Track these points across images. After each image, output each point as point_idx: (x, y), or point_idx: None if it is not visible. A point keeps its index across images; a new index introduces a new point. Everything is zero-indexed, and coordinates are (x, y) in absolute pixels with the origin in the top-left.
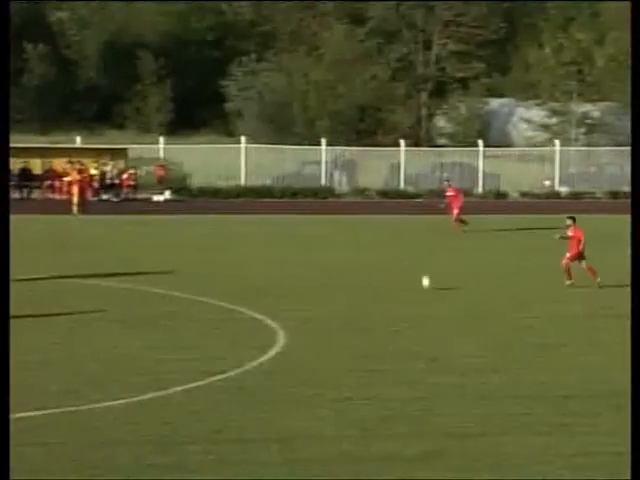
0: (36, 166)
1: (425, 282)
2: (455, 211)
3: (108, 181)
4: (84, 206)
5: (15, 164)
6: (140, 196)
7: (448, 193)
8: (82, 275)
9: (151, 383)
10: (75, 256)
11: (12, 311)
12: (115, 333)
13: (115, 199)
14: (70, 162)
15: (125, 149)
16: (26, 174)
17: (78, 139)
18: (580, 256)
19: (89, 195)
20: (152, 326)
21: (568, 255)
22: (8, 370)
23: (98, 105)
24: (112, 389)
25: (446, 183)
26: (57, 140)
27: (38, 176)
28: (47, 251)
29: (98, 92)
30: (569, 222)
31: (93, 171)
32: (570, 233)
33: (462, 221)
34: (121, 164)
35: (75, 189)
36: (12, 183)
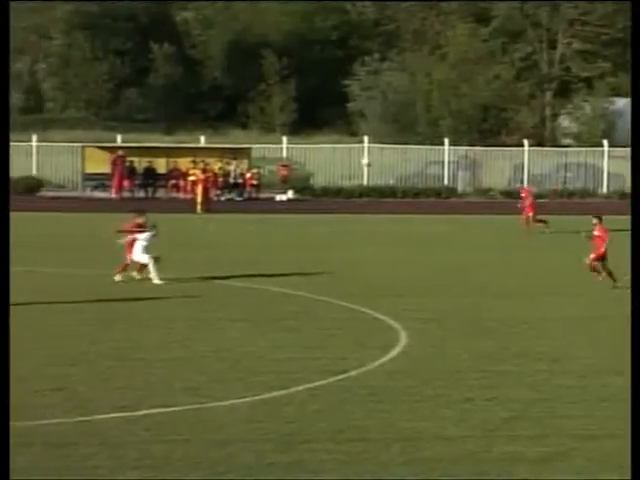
0: (161, 165)
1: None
2: (528, 212)
3: (232, 180)
4: (208, 205)
5: (140, 163)
6: (263, 195)
7: (522, 194)
8: (205, 275)
9: (274, 382)
10: (198, 255)
11: (138, 310)
12: (239, 332)
13: (238, 198)
14: (194, 161)
15: (249, 148)
16: (151, 173)
17: (202, 138)
18: (604, 257)
19: (213, 194)
20: (275, 325)
21: (593, 255)
22: (8, 370)
23: (222, 105)
24: (235, 387)
25: (520, 186)
26: (182, 140)
27: (163, 175)
28: (171, 250)
29: (222, 92)
30: (595, 221)
31: (217, 170)
32: (596, 233)
33: (541, 221)
34: (245, 163)
35: (199, 188)
36: (137, 182)
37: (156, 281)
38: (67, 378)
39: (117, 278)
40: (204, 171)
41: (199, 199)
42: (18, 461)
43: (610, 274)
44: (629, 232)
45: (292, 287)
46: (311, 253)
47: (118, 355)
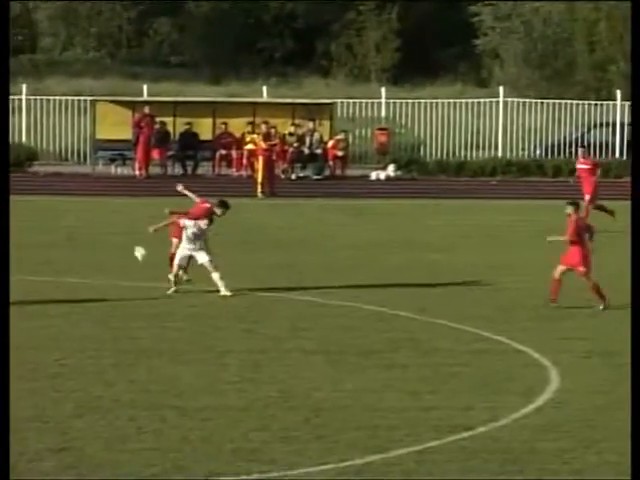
0: (205, 129)
1: (138, 254)
2: (586, 194)
3: (306, 151)
4: (272, 186)
5: (175, 126)
6: (352, 172)
7: (580, 166)
8: (268, 286)
9: (367, 442)
10: (257, 258)
11: (173, 337)
12: (315, 370)
13: (316, 176)
14: (252, 123)
15: (331, 105)
16: (191, 140)
17: (264, 90)
18: None
19: (279, 170)
20: (367, 359)
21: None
22: (8, 370)
23: (293, 42)
24: (311, 449)
25: (581, 151)
26: (235, 92)
27: (208, 143)
28: (220, 251)
29: (293, 23)
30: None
31: (286, 136)
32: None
33: (601, 208)
34: (325, 126)
35: (259, 162)
36: (171, 153)
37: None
38: (71, 434)
39: (170, 290)
40: (267, 137)
41: (260, 177)
42: None
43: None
44: None
45: (392, 305)
46: (420, 256)
47: (145, 401)
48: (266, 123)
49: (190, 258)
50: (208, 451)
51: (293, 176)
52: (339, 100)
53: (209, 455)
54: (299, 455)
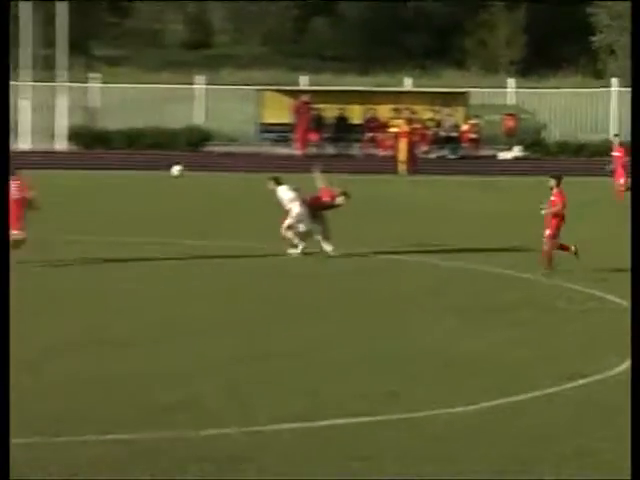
0: (355, 114)
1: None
2: (620, 178)
3: (443, 133)
4: (413, 164)
5: (330, 112)
6: (483, 152)
7: (614, 153)
8: (407, 250)
9: (492, 388)
10: (398, 226)
11: (320, 297)
12: (450, 325)
13: (452, 156)
14: (396, 109)
15: (465, 93)
16: (343, 124)
17: (407, 81)
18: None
19: (419, 151)
20: (494, 317)
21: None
22: (8, 370)
23: (432, 38)
24: (445, 394)
25: (616, 139)
26: (381, 82)
27: (358, 127)
28: (366, 219)
29: (432, 22)
30: (552, 183)
31: (425, 121)
32: (552, 198)
33: None
34: (460, 112)
35: (402, 143)
36: (326, 135)
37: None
38: (233, 380)
39: (291, 251)
40: (409, 122)
41: (402, 157)
42: (186, 476)
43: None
44: None
45: (518, 269)
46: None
47: (299, 352)
48: (408, 109)
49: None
50: (354, 395)
51: (432, 156)
52: (472, 89)
53: (356, 398)
54: (437, 398)
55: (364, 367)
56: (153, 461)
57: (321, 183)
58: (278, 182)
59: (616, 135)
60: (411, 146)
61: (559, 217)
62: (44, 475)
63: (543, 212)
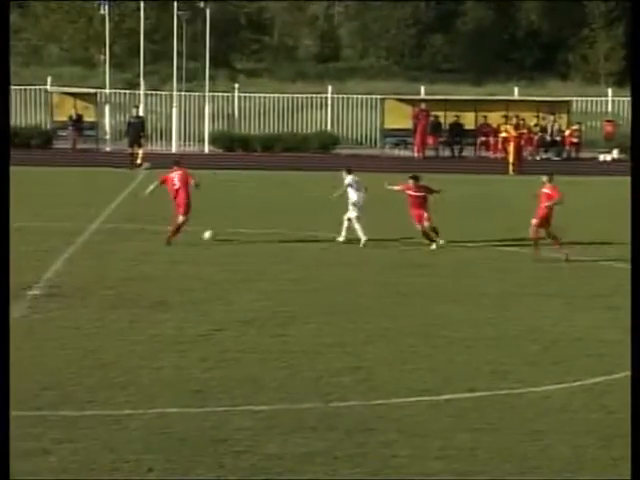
0: (469, 120)
1: (206, 235)
2: None
3: (548, 138)
4: (520, 165)
5: (445, 118)
6: (584, 155)
7: None
8: (513, 244)
9: (594, 367)
10: (506, 221)
11: (442, 283)
12: (554, 310)
13: (556, 158)
14: (506, 116)
15: (568, 102)
16: (457, 129)
17: (516, 90)
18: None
19: (527, 153)
20: (594, 303)
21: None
22: (8, 369)
23: (539, 53)
24: (551, 372)
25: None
26: (492, 91)
27: (471, 132)
28: (477, 214)
29: (539, 38)
30: (544, 179)
31: (532, 127)
32: (545, 190)
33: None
34: (563, 119)
35: (511, 147)
36: (442, 139)
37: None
38: (363, 356)
39: (433, 247)
40: (517, 127)
41: (511, 159)
42: (314, 446)
43: (555, 238)
44: None
45: (613, 259)
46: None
47: (420, 332)
48: (517, 116)
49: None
50: (469, 371)
51: (538, 158)
52: (575, 98)
53: (470, 375)
54: (540, 376)
55: (481, 347)
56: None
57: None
58: (348, 171)
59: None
60: (519, 149)
61: (550, 209)
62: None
63: (547, 204)
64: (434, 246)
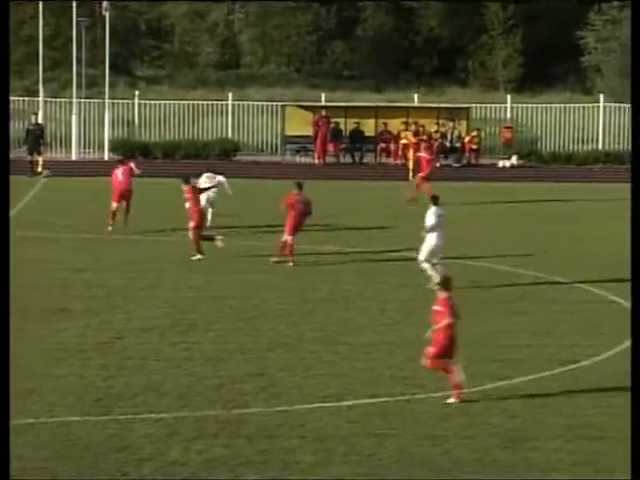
0: (369, 127)
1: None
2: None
3: (448, 144)
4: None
5: (346, 125)
6: (483, 161)
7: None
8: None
9: (497, 371)
10: (408, 228)
11: (344, 290)
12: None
13: (456, 164)
14: (406, 123)
15: (468, 108)
16: (358, 136)
17: (416, 97)
18: None
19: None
20: (500, 308)
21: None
22: (8, 370)
23: (438, 59)
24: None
25: None
26: (393, 98)
27: (371, 138)
28: (380, 221)
29: (439, 45)
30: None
31: (432, 133)
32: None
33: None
34: (463, 125)
35: (410, 153)
36: (343, 146)
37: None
38: (265, 363)
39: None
40: (417, 134)
41: (411, 165)
42: (216, 452)
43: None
44: None
45: (518, 265)
46: (539, 227)
47: (323, 338)
48: (416, 123)
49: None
50: (371, 377)
51: (437, 164)
52: (474, 105)
53: (371, 380)
54: (442, 381)
55: (382, 352)
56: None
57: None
58: (435, 201)
59: None
60: (418, 155)
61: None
62: None
63: (187, 205)
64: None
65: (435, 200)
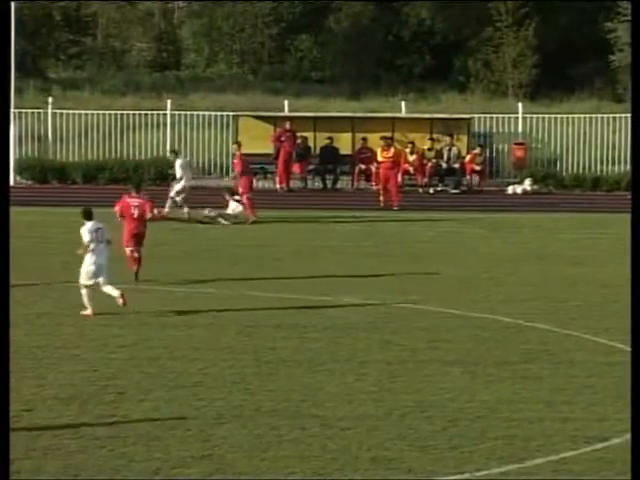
0: (345, 143)
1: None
2: None
3: (444, 165)
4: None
5: (316, 140)
6: (489, 187)
7: None
8: (404, 299)
9: (504, 451)
10: (393, 270)
11: (313, 348)
12: (453, 380)
13: (453, 190)
14: (384, 138)
15: (469, 120)
16: (331, 155)
17: (403, 105)
18: None
19: (419, 184)
20: (504, 371)
21: None
22: (8, 370)
23: (431, 58)
24: (448, 459)
25: None
26: (373, 107)
27: (347, 157)
28: (358, 259)
29: (431, 40)
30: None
31: (424, 151)
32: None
33: None
34: (463, 141)
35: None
36: (311, 167)
37: None
38: (213, 442)
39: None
40: (386, 149)
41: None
42: None
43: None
44: None
45: (528, 317)
46: (556, 268)
47: (285, 410)
48: (405, 138)
49: None
50: (347, 459)
51: (431, 190)
52: (476, 115)
53: (348, 463)
54: (436, 464)
55: (361, 428)
56: None
57: None
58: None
59: None
60: (392, 177)
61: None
62: None
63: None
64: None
65: (88, 215)
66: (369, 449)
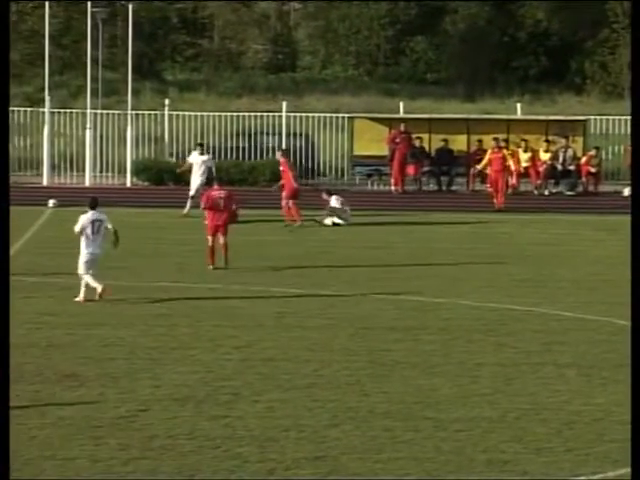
0: (459, 145)
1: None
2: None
3: (559, 167)
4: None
5: (431, 142)
6: (605, 188)
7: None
8: (517, 301)
9: (619, 454)
10: (509, 271)
11: (424, 351)
12: (567, 382)
13: (569, 192)
14: (506, 140)
15: (585, 121)
16: (446, 157)
17: (518, 107)
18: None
19: (533, 185)
20: (619, 373)
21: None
22: (8, 369)
23: (547, 60)
24: (565, 461)
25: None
26: (489, 109)
27: (462, 159)
28: (471, 261)
29: (547, 42)
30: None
31: (540, 153)
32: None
33: None
34: (579, 142)
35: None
36: (426, 169)
37: None
38: (327, 443)
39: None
40: (497, 151)
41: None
42: None
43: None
44: None
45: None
46: None
47: (399, 412)
48: (521, 139)
49: None
50: (461, 461)
51: (546, 192)
52: (592, 117)
53: (462, 465)
54: (551, 467)
55: (475, 430)
56: None
57: None
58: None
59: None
60: (498, 179)
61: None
62: None
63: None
64: None
65: (92, 204)
66: (484, 451)
